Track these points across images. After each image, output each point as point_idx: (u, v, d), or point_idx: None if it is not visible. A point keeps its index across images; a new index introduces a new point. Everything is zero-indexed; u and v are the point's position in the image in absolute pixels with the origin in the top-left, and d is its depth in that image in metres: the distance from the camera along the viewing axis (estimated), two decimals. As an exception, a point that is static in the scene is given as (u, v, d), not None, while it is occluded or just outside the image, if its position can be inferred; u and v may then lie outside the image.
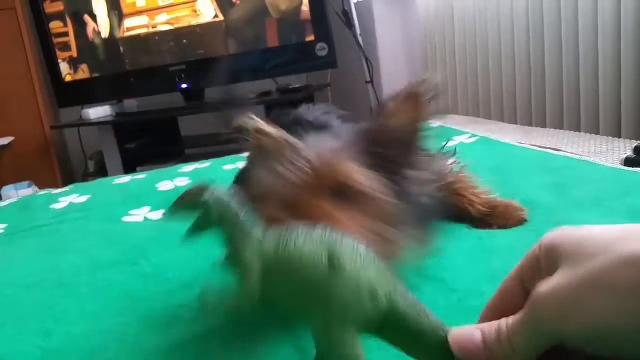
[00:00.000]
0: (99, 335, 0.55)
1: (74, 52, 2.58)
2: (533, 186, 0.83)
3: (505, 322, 0.32)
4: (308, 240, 0.37)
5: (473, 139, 1.16)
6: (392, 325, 0.36)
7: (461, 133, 1.22)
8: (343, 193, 0.51)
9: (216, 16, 2.40)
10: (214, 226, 0.40)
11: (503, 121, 1.70)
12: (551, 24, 1.57)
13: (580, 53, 1.48)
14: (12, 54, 2.72)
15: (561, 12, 1.52)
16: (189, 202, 0.41)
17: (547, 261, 0.32)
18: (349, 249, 0.36)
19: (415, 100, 0.54)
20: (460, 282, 0.56)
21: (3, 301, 0.68)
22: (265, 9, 2.33)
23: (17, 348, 0.55)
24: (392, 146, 0.54)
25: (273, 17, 2.33)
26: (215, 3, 2.38)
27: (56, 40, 2.58)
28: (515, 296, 0.34)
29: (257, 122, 0.58)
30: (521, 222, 0.71)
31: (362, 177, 0.52)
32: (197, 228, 0.41)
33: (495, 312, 0.35)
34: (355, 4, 2.35)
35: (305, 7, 2.26)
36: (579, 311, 0.28)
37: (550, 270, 0.31)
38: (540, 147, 1.06)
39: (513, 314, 0.33)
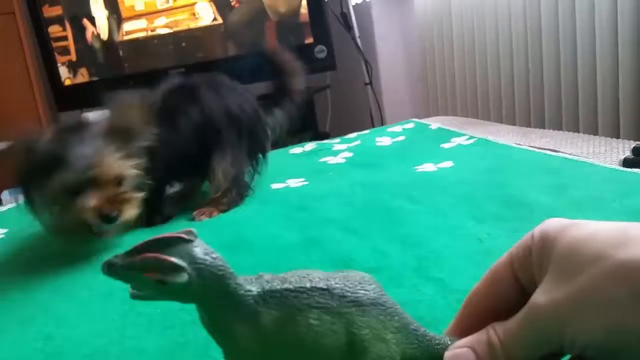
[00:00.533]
0: (99, 338, 0.55)
1: (73, 56, 2.59)
2: (532, 187, 0.84)
3: (494, 335, 0.32)
4: (323, 320, 0.32)
5: (471, 141, 1.16)
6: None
7: (459, 134, 1.22)
8: (119, 181, 0.82)
9: (215, 19, 2.40)
10: (186, 300, 0.31)
11: (501, 122, 1.71)
12: (549, 25, 1.58)
13: (578, 53, 1.48)
14: (11, 58, 2.72)
15: (559, 13, 1.53)
16: (158, 278, 0.29)
17: (539, 253, 0.32)
18: (370, 319, 0.33)
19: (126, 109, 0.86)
20: (459, 283, 0.56)
21: (4, 305, 0.68)
22: (264, 11, 2.33)
23: (18, 352, 0.55)
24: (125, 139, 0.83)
25: (272, 20, 2.33)
26: (214, 6, 2.38)
27: (55, 44, 2.58)
28: (505, 282, 0.34)
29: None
30: None
31: (123, 167, 0.82)
32: (156, 297, 0.31)
33: (482, 297, 0.35)
34: (353, 6, 2.35)
35: (304, 9, 2.26)
36: (574, 324, 0.28)
37: (542, 264, 0.31)
38: (538, 148, 1.06)
39: (501, 300, 0.34)
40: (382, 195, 0.92)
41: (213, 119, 1.01)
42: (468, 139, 1.18)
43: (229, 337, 0.32)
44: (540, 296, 0.30)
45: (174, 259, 0.29)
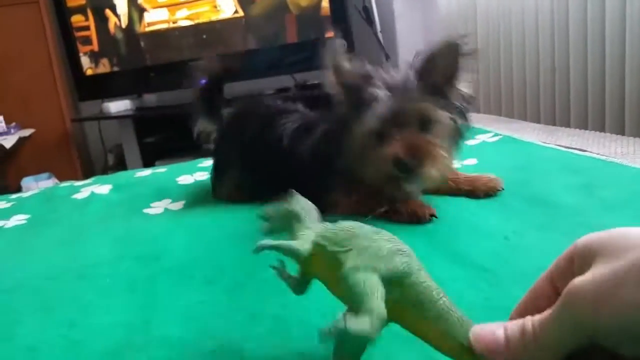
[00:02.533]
0: (123, 327, 0.55)
1: (95, 46, 2.60)
2: (559, 187, 0.82)
3: (530, 320, 0.32)
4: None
5: (496, 138, 1.15)
6: (412, 302, 0.36)
7: (484, 132, 1.20)
8: (424, 124, 0.73)
9: (236, 12, 2.40)
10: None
11: (526, 120, 1.68)
12: (576, 22, 1.55)
13: (606, 52, 1.46)
14: (35, 47, 2.75)
15: (587, 10, 1.50)
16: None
17: (581, 261, 0.32)
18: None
19: (454, 49, 0.74)
20: (486, 282, 0.55)
21: (27, 291, 0.69)
22: (285, 5, 2.32)
23: (42, 337, 0.55)
24: (439, 80, 0.75)
25: (292, 13, 2.32)
26: (235, -1, 2.38)
27: (77, 34, 2.60)
28: (547, 297, 0.34)
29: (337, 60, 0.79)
30: (497, 189, 0.83)
31: (436, 110, 0.72)
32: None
33: (526, 312, 0.35)
34: (375, 0, 2.33)
35: (325, 3, 2.25)
36: (613, 301, 0.28)
37: (584, 269, 0.31)
38: (565, 147, 1.04)
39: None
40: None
41: None
42: (493, 136, 1.16)
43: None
44: (579, 279, 0.30)
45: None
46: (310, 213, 0.44)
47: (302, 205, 0.44)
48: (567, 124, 1.60)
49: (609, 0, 1.43)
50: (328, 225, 0.42)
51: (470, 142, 1.14)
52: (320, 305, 0.47)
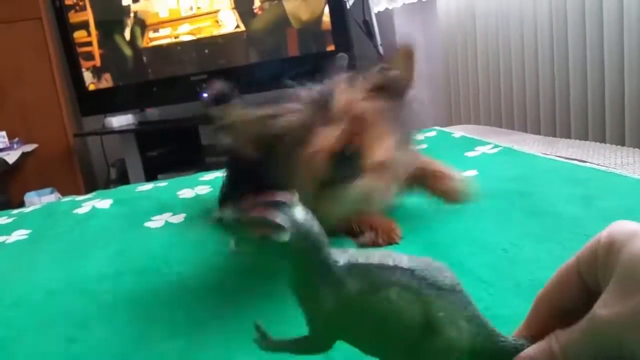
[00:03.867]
0: (122, 342, 0.55)
1: (97, 62, 2.62)
2: (559, 197, 0.82)
3: (556, 344, 0.33)
4: (403, 298, 0.33)
5: (496, 150, 1.15)
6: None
7: (483, 143, 1.21)
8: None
9: (237, 26, 2.42)
10: (282, 256, 0.33)
11: (526, 131, 1.69)
12: (575, 33, 1.56)
13: (605, 62, 1.46)
14: (37, 63, 2.77)
15: (585, 22, 1.51)
16: (261, 233, 0.32)
17: (604, 258, 0.32)
18: (447, 304, 0.34)
19: (409, 57, 0.71)
20: (485, 292, 0.55)
21: (27, 306, 0.69)
22: (286, 19, 2.34)
23: (41, 352, 0.55)
24: (390, 92, 0.67)
25: (293, 27, 2.34)
26: (236, 14, 2.40)
27: (80, 50, 2.62)
28: (572, 284, 0.35)
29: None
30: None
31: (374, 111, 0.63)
32: (254, 253, 0.33)
33: (550, 298, 0.36)
34: (376, 14, 2.35)
35: (326, 17, 2.27)
36: (635, 337, 0.29)
37: (607, 269, 0.31)
38: (565, 158, 1.04)
39: (568, 300, 0.34)
40: (405, 203, 0.91)
41: None
42: (493, 147, 1.16)
43: (313, 300, 0.33)
44: (601, 309, 0.31)
45: (279, 220, 0.31)
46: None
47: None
48: (568, 135, 1.60)
49: (606, 10, 1.43)
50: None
51: (470, 154, 1.15)
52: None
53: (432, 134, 1.42)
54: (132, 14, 2.52)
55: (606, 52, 1.46)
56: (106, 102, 2.64)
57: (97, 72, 2.63)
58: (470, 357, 0.35)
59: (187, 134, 2.73)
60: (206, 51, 2.48)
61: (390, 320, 0.33)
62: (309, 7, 2.30)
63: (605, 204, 0.78)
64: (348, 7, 2.28)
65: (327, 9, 2.25)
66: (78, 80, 2.64)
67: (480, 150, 1.16)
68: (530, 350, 0.35)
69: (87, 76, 2.63)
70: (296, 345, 0.36)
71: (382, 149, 0.60)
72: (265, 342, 0.37)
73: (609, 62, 1.46)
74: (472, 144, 1.22)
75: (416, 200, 0.92)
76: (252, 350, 0.49)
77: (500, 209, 0.82)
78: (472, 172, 1.02)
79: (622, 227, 0.32)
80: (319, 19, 2.29)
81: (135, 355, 0.52)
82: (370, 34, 2.32)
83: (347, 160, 0.57)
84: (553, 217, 0.75)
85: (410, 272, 0.33)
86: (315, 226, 0.33)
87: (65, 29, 2.60)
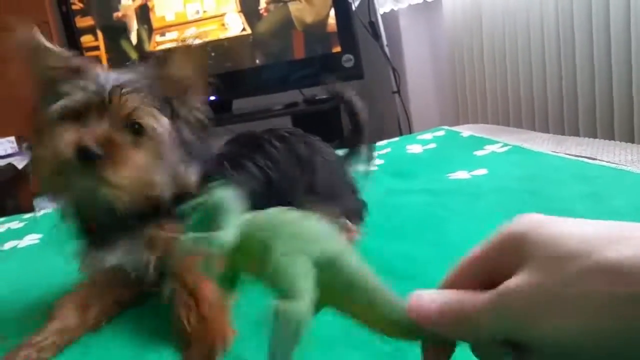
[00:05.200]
0: (133, 348, 0.55)
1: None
2: (570, 195, 0.82)
3: (468, 300, 0.31)
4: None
5: (505, 148, 1.15)
6: (343, 284, 0.35)
7: (493, 142, 1.21)
8: (134, 129, 0.58)
9: (243, 29, 2.42)
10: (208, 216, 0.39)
11: (534, 130, 1.68)
12: (582, 31, 1.55)
13: (613, 59, 1.46)
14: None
15: (592, 19, 1.50)
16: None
17: (513, 250, 0.30)
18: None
19: (191, 53, 0.63)
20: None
21: (41, 309, 0.69)
22: (291, 21, 2.34)
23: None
24: (175, 92, 0.62)
25: (299, 30, 2.35)
26: (243, 17, 2.41)
27: (87, 54, 2.63)
28: (474, 278, 0.33)
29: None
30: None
31: (152, 119, 0.59)
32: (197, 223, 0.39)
33: (459, 283, 0.34)
34: (381, 15, 2.35)
35: (332, 19, 2.27)
36: (546, 318, 0.27)
37: (517, 260, 0.29)
38: (575, 156, 1.04)
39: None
40: (415, 202, 0.92)
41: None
42: (502, 146, 1.16)
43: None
44: (513, 281, 0.29)
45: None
46: (235, 203, 0.40)
47: (224, 195, 0.40)
48: (576, 133, 1.59)
49: (613, 7, 1.43)
50: (253, 213, 0.40)
51: (479, 153, 1.15)
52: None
53: (441, 133, 1.42)
54: (138, 18, 2.53)
55: (613, 49, 1.45)
56: (114, 106, 2.65)
57: (104, 77, 2.65)
58: (339, 277, 0.35)
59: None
60: (212, 54, 2.49)
61: (274, 218, 0.38)
62: (314, 9, 2.30)
63: (616, 201, 0.78)
64: (353, 8, 2.28)
65: (332, 12, 2.26)
66: (86, 85, 2.66)
67: (489, 149, 1.16)
68: (441, 293, 0.33)
69: (95, 81, 2.65)
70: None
71: (130, 175, 0.56)
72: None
73: (616, 59, 1.45)
74: (481, 143, 1.22)
75: (422, 198, 0.92)
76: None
77: (511, 207, 0.82)
78: (482, 171, 1.02)
79: (530, 219, 0.31)
80: (324, 21, 2.30)
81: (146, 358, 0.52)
82: (376, 35, 2.32)
83: (89, 157, 0.54)
84: (565, 215, 0.74)
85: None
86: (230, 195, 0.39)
87: (72, 34, 2.62)
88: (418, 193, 0.97)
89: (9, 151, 2.63)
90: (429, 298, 0.32)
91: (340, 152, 1.41)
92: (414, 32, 2.41)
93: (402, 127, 2.36)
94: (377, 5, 2.33)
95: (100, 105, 0.57)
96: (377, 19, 2.32)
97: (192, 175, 0.62)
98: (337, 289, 0.35)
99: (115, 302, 0.64)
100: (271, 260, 0.36)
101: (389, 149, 1.37)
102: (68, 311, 0.60)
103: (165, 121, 0.60)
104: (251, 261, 0.38)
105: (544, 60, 1.71)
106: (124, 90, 0.58)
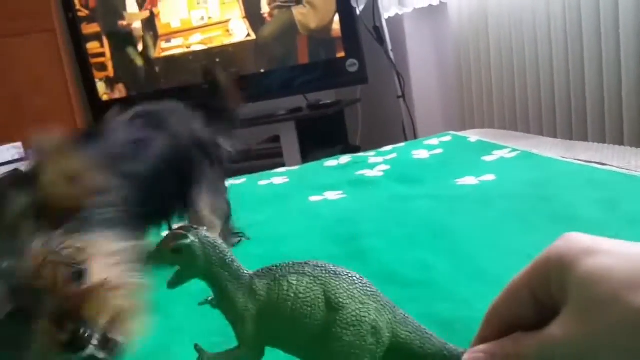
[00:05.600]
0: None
1: (111, 72, 2.64)
2: (581, 201, 0.81)
3: (514, 347, 0.33)
4: (301, 281, 0.37)
5: (514, 154, 1.14)
6: (396, 354, 0.37)
7: (501, 147, 1.20)
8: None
9: (248, 35, 2.42)
10: (198, 271, 0.38)
11: (542, 135, 1.67)
12: (590, 35, 1.54)
13: (622, 63, 1.44)
14: (52, 74, 2.79)
15: (600, 22, 1.49)
16: (172, 246, 0.37)
17: (558, 276, 0.32)
18: (344, 284, 0.37)
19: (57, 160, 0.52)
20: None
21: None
22: (295, 26, 2.34)
23: None
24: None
25: (303, 35, 2.34)
26: (247, 23, 2.41)
27: (93, 61, 2.64)
28: (524, 302, 0.34)
29: None
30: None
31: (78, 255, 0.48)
32: (181, 276, 0.38)
33: (501, 315, 0.36)
34: (386, 19, 2.35)
35: (336, 24, 2.27)
36: None
37: (561, 287, 0.31)
38: (585, 161, 1.03)
39: (520, 317, 0.34)
40: (423, 209, 0.91)
41: (184, 148, 0.84)
42: (510, 151, 1.15)
43: (232, 306, 0.38)
44: (557, 329, 0.31)
45: (181, 231, 0.38)
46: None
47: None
48: (585, 138, 1.58)
49: (622, 9, 1.42)
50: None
51: (487, 158, 1.14)
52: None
53: (447, 138, 1.41)
54: (144, 25, 2.53)
55: (623, 52, 1.44)
56: (120, 112, 2.65)
57: (110, 83, 2.65)
58: (396, 350, 0.37)
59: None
60: (217, 60, 2.49)
61: (297, 307, 0.36)
62: (319, 14, 2.30)
63: (629, 207, 0.76)
64: (358, 13, 2.28)
65: (337, 17, 2.25)
66: (92, 90, 2.66)
67: (497, 154, 1.15)
68: (486, 347, 0.34)
69: (101, 87, 2.65)
70: (231, 356, 0.39)
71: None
72: (206, 358, 0.39)
73: (625, 62, 1.44)
74: (489, 148, 1.21)
75: (430, 204, 0.91)
76: None
77: (522, 213, 0.81)
78: (490, 177, 1.01)
79: (572, 242, 0.32)
80: (328, 26, 2.29)
81: None
82: (381, 39, 2.31)
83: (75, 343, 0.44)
84: (576, 221, 0.74)
85: (305, 263, 0.38)
86: (220, 243, 0.38)
87: (78, 40, 2.62)
88: (425, 199, 0.96)
89: (16, 157, 2.64)
90: (477, 351, 0.35)
91: (347, 157, 1.41)
92: (419, 36, 2.40)
93: (407, 132, 2.35)
94: (381, 10, 2.33)
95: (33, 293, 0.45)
96: (381, 24, 2.32)
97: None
98: (391, 356, 0.37)
99: None
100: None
101: (394, 154, 1.36)
102: None
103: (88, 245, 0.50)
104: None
105: (551, 64, 1.70)
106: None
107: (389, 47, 2.32)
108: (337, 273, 0.38)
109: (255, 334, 0.38)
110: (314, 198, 1.09)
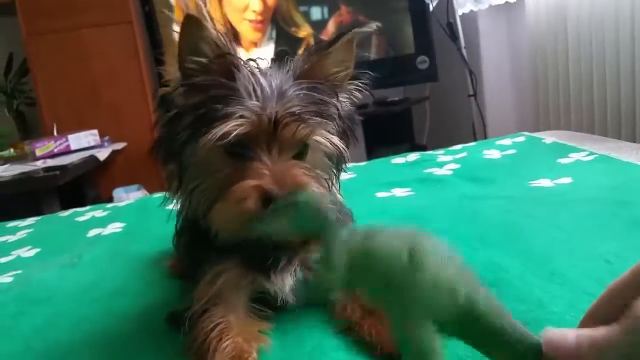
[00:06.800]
0: None
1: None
2: (664, 208, 0.77)
3: (601, 332, 0.32)
4: (391, 237, 0.38)
5: (591, 157, 1.10)
6: (471, 324, 0.36)
7: (578, 150, 1.15)
8: (300, 149, 0.55)
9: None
10: (305, 224, 0.42)
11: (620, 139, 1.60)
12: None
13: None
14: (128, 65, 2.91)
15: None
16: (286, 202, 0.43)
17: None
18: (429, 246, 0.37)
19: (348, 44, 0.59)
20: (589, 304, 0.53)
21: (129, 295, 0.72)
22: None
23: (139, 343, 0.57)
24: (326, 84, 0.58)
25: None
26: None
27: (168, 52, 2.73)
28: (624, 302, 0.33)
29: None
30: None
31: (316, 133, 0.55)
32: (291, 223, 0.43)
33: (599, 316, 0.35)
34: (460, 16, 2.30)
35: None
36: None
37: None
38: (668, 167, 0.98)
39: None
40: (494, 209, 0.89)
41: None
42: (588, 154, 1.11)
43: (330, 257, 0.39)
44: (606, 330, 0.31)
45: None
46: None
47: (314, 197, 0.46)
48: (667, 143, 1.51)
49: None
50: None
51: (563, 161, 1.10)
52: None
53: (520, 139, 1.37)
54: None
55: None
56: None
57: (183, 74, 2.73)
58: (470, 322, 0.36)
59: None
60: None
61: (383, 259, 0.37)
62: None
63: None
64: (431, 9, 2.25)
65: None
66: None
67: (574, 157, 1.11)
68: (579, 330, 0.34)
69: (174, 78, 2.74)
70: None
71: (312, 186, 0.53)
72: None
73: None
74: (565, 150, 1.17)
75: (502, 205, 0.89)
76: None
77: (600, 218, 0.78)
78: (566, 180, 0.97)
79: None
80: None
81: None
82: (454, 36, 2.27)
83: (269, 201, 0.49)
84: (658, 229, 0.71)
85: (398, 229, 0.39)
86: (325, 204, 0.42)
87: (153, 32, 2.72)
88: (497, 199, 0.94)
89: (92, 143, 2.76)
90: (562, 335, 0.34)
91: (414, 155, 1.40)
92: (493, 33, 2.35)
93: (476, 132, 2.31)
94: (456, 6, 2.29)
95: (270, 131, 0.52)
96: (455, 20, 2.28)
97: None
98: (471, 335, 0.37)
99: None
100: (389, 316, 0.37)
101: (464, 154, 1.34)
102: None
103: (328, 137, 0.57)
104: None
105: (633, 65, 1.63)
106: (293, 114, 0.53)
107: (462, 44, 2.28)
108: (426, 238, 0.38)
109: (341, 279, 0.39)
110: (381, 194, 1.09)
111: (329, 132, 0.56)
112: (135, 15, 2.88)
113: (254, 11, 2.44)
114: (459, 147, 1.42)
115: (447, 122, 2.62)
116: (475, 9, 2.29)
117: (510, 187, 1.00)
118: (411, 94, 2.59)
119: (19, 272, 0.89)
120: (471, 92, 2.29)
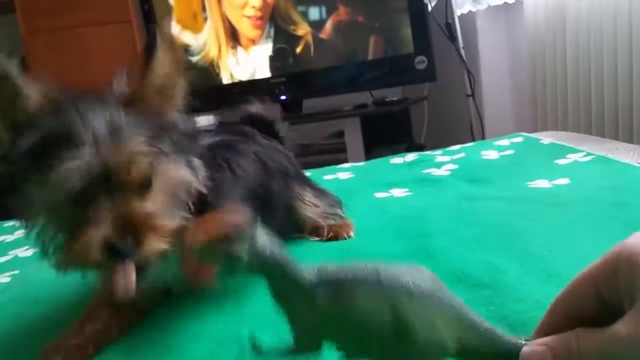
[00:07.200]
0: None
1: (183, 63, 2.72)
2: (661, 210, 0.78)
3: (575, 343, 0.33)
4: (368, 293, 0.36)
5: (588, 158, 1.10)
6: (469, 356, 0.37)
7: (575, 151, 1.16)
8: (142, 182, 0.52)
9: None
10: (255, 273, 0.38)
11: (617, 139, 1.60)
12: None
13: None
14: (126, 64, 2.90)
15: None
16: (225, 251, 0.37)
17: (627, 274, 0.32)
18: (415, 302, 0.36)
19: (169, 53, 0.57)
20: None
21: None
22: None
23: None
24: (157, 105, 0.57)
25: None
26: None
27: (167, 52, 2.72)
28: (588, 298, 0.35)
29: None
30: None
31: (157, 162, 0.53)
32: (236, 272, 0.38)
33: (564, 309, 0.37)
34: (458, 16, 2.31)
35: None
36: None
37: (630, 286, 0.31)
38: (665, 168, 0.98)
39: (583, 313, 0.34)
40: (492, 210, 0.89)
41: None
42: (585, 155, 1.11)
43: (291, 313, 0.37)
44: (623, 328, 0.31)
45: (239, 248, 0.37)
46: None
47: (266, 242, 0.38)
48: (664, 144, 1.51)
49: None
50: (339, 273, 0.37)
51: (560, 162, 1.11)
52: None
53: (518, 140, 1.38)
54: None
55: None
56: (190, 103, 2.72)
57: (181, 74, 2.73)
58: (465, 355, 0.36)
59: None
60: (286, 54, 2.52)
61: (362, 322, 0.35)
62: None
63: None
64: (429, 9, 2.25)
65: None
66: (164, 81, 2.75)
67: (571, 158, 1.12)
68: (547, 340, 0.35)
69: (172, 78, 2.74)
70: (288, 351, 0.38)
71: (163, 240, 0.52)
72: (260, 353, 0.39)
73: None
74: (562, 151, 1.17)
75: (500, 206, 0.90)
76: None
77: (597, 219, 0.78)
78: (564, 180, 0.98)
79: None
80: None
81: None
82: (452, 37, 2.28)
83: (122, 253, 0.49)
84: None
85: (378, 280, 0.36)
86: (276, 250, 0.37)
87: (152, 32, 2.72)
88: (494, 200, 0.94)
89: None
90: (541, 353, 0.35)
91: (412, 155, 1.40)
92: (492, 34, 2.35)
93: (474, 132, 2.31)
94: (454, 7, 2.29)
95: (107, 175, 0.50)
96: (454, 21, 2.28)
97: (199, 171, 0.60)
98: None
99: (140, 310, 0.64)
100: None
101: (462, 154, 1.34)
102: (101, 315, 0.60)
103: (170, 165, 0.55)
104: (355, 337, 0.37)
105: (631, 66, 1.63)
106: (129, 153, 0.51)
107: (461, 44, 2.28)
108: (411, 293, 0.36)
109: (313, 336, 0.37)
110: (379, 194, 1.09)
111: (171, 158, 0.55)
112: (134, 13, 2.87)
113: (253, 7, 2.44)
114: (456, 147, 1.43)
115: (445, 122, 2.62)
116: (473, 10, 2.29)
117: (507, 188, 1.00)
118: (409, 94, 2.59)
119: (17, 272, 0.89)
120: (469, 93, 2.30)
